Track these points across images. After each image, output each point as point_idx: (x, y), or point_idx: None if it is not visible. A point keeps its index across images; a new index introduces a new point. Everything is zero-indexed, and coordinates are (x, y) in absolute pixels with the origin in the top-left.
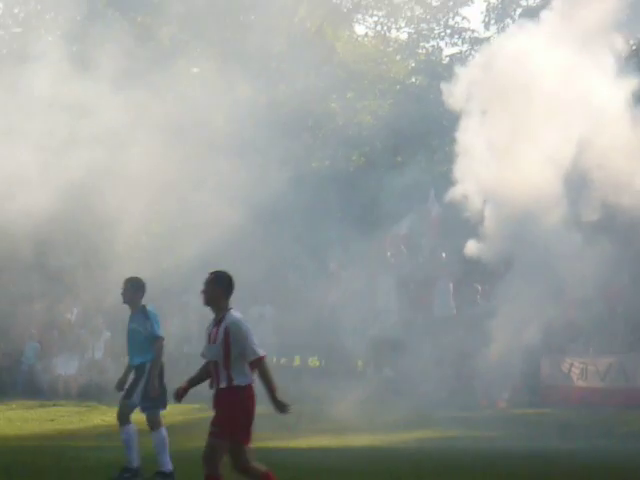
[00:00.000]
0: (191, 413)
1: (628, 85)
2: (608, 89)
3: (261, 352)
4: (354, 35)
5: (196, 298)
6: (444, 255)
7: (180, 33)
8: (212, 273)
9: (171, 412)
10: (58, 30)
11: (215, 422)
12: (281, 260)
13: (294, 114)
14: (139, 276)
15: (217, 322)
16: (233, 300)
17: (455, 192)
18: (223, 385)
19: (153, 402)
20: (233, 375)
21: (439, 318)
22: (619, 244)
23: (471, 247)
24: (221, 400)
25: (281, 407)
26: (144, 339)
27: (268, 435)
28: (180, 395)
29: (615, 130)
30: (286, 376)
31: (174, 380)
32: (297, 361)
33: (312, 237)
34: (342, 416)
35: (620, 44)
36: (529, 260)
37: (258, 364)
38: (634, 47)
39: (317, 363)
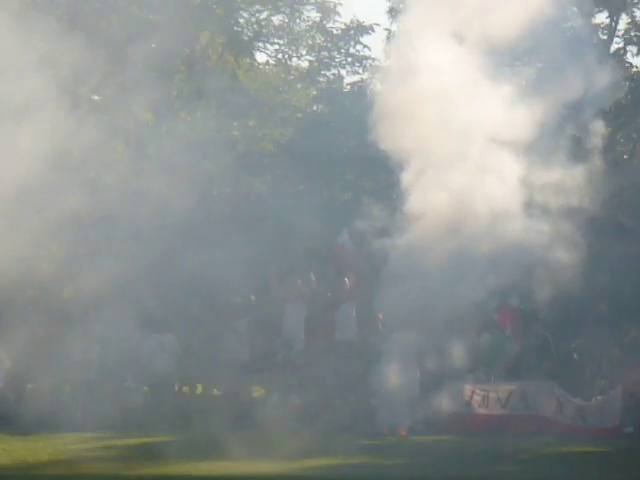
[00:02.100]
0: None
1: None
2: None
3: None
4: (255, 63)
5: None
6: (347, 280)
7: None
8: None
9: None
10: None
11: None
12: (186, 286)
13: (194, 142)
14: None
15: None
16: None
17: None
18: None
19: None
20: None
21: (341, 342)
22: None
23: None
24: None
25: None
26: None
27: (169, 463)
28: None
29: None
30: (189, 404)
31: None
32: (200, 389)
33: (216, 265)
34: (243, 443)
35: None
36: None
37: None
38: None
39: (219, 392)
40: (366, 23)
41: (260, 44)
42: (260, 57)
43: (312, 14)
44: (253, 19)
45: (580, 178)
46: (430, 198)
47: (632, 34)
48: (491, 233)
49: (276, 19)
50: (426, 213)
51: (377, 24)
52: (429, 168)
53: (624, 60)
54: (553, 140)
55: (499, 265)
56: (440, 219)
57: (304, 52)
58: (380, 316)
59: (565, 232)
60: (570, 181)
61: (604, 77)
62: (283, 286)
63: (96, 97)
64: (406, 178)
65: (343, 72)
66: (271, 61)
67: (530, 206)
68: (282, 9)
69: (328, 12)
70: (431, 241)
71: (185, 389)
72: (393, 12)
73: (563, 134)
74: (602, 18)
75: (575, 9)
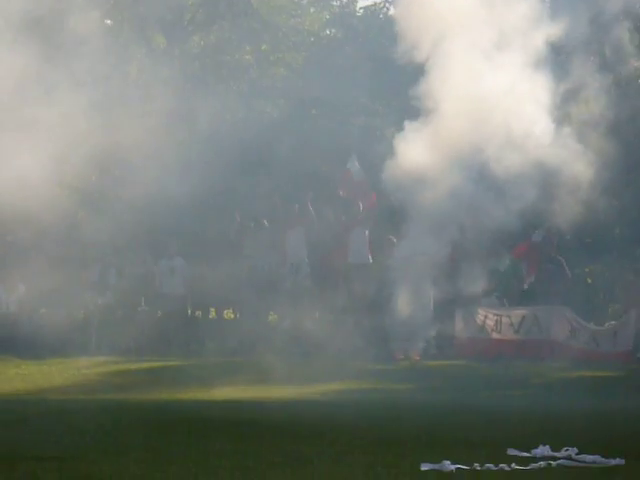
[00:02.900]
0: None
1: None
2: None
3: None
4: None
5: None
6: (361, 205)
7: None
8: None
9: None
10: None
11: None
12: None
13: (208, 66)
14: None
15: None
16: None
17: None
18: None
19: None
20: None
21: (354, 265)
22: None
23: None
24: None
25: None
26: None
27: (182, 387)
28: None
29: None
30: (202, 329)
31: None
32: (213, 313)
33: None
34: (258, 368)
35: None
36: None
37: None
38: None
39: (232, 316)
40: None
41: None
42: None
43: None
44: None
45: (600, 94)
46: (451, 101)
47: None
48: (516, 145)
49: None
50: (445, 117)
51: None
52: (450, 73)
53: None
54: (577, 53)
55: (523, 181)
56: (461, 123)
57: None
58: (394, 240)
59: (589, 145)
60: (591, 95)
61: None
62: (284, 213)
63: (109, 21)
64: (425, 85)
65: None
66: None
67: (555, 118)
68: None
69: None
70: (449, 149)
71: (198, 313)
72: None
73: (586, 49)
74: None
75: None
